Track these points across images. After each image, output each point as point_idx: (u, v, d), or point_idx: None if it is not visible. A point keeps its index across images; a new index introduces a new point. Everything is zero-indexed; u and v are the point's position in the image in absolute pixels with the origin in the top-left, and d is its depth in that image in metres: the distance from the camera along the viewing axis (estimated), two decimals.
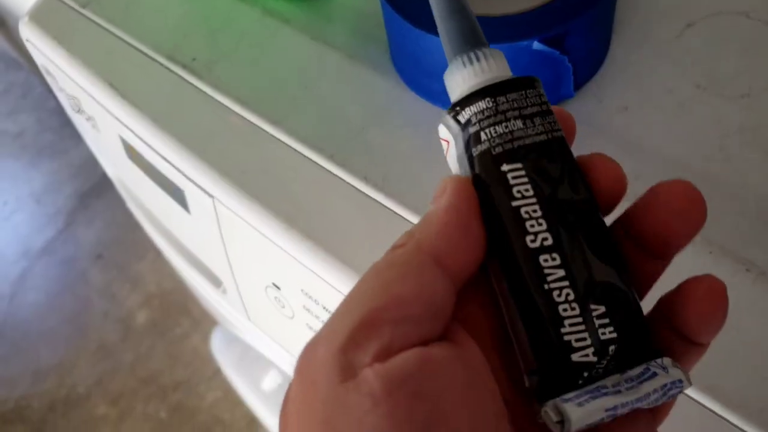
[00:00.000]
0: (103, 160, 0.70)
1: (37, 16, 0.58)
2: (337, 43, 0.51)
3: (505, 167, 0.21)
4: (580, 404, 0.19)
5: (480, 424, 0.19)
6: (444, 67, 0.42)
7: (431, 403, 0.18)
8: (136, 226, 1.92)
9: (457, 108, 0.22)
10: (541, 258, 0.20)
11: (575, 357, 0.20)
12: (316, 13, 0.53)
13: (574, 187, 0.21)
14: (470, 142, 0.22)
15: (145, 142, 0.50)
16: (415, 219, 0.42)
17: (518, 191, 0.21)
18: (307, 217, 0.43)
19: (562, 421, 0.19)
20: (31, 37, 0.57)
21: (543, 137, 0.22)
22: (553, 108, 0.23)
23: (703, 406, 0.33)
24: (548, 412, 0.19)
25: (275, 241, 0.43)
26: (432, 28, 0.41)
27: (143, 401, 1.54)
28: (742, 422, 0.33)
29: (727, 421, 0.33)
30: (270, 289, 0.49)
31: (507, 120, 0.21)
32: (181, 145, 0.48)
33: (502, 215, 0.21)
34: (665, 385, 0.20)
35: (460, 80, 0.23)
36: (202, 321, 1.57)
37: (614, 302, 0.20)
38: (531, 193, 0.21)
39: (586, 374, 0.20)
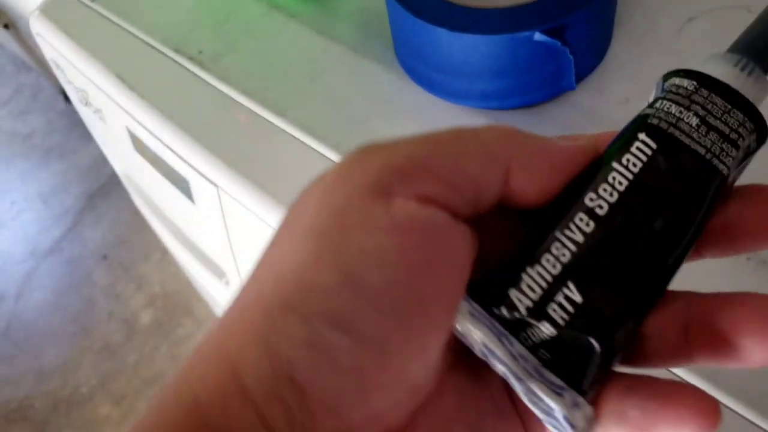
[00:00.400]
0: (110, 154, 0.71)
1: (48, 11, 0.58)
2: (341, 36, 0.52)
3: (641, 135, 0.20)
4: (472, 315, 0.19)
5: (450, 312, 0.19)
6: (446, 59, 0.43)
7: (433, 267, 0.18)
8: (141, 227, 1.93)
9: (681, 72, 0.21)
10: (580, 215, 0.19)
11: (513, 293, 0.19)
12: (321, 8, 0.54)
13: (679, 210, 0.19)
14: (653, 100, 0.21)
15: (152, 133, 0.50)
16: None
17: (628, 160, 0.20)
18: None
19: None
20: (42, 30, 0.58)
21: (701, 150, 0.19)
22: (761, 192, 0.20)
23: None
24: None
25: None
26: (435, 20, 0.42)
27: (146, 402, 1.54)
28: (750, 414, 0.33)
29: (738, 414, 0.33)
30: None
31: (689, 109, 0.20)
32: (186, 136, 0.49)
33: (597, 167, 0.20)
34: (554, 410, 0.18)
35: (714, 68, 0.21)
36: (206, 322, 1.58)
37: (589, 312, 0.19)
38: (635, 170, 0.19)
39: (505, 313, 0.19)
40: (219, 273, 0.59)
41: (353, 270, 0.17)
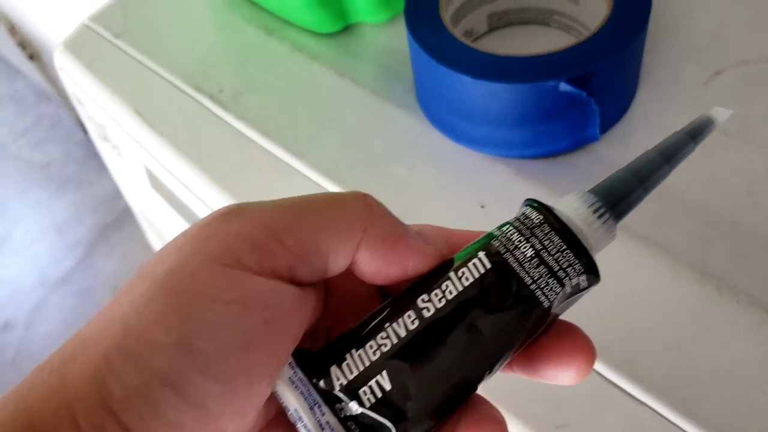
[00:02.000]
0: (126, 189, 0.70)
1: (72, 46, 0.59)
2: (362, 79, 0.52)
3: (481, 253, 0.22)
4: (292, 381, 0.21)
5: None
6: (468, 106, 0.43)
7: (266, 340, 0.20)
8: None
9: (535, 204, 0.22)
10: (410, 312, 0.21)
11: (333, 369, 0.21)
12: (343, 50, 0.54)
13: (497, 331, 0.21)
14: (503, 223, 0.23)
15: (169, 171, 0.50)
16: None
17: (462, 272, 0.21)
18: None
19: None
20: (65, 65, 0.58)
21: (528, 280, 0.21)
22: (573, 332, 0.23)
23: None
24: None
25: None
26: (458, 67, 0.41)
27: None
28: None
29: None
30: None
31: (527, 241, 0.21)
32: (204, 175, 0.48)
33: (438, 271, 0.22)
34: None
35: (571, 204, 0.22)
36: None
37: (394, 402, 0.21)
38: (465, 284, 0.21)
39: (323, 384, 0.21)
40: None
41: (189, 336, 0.18)
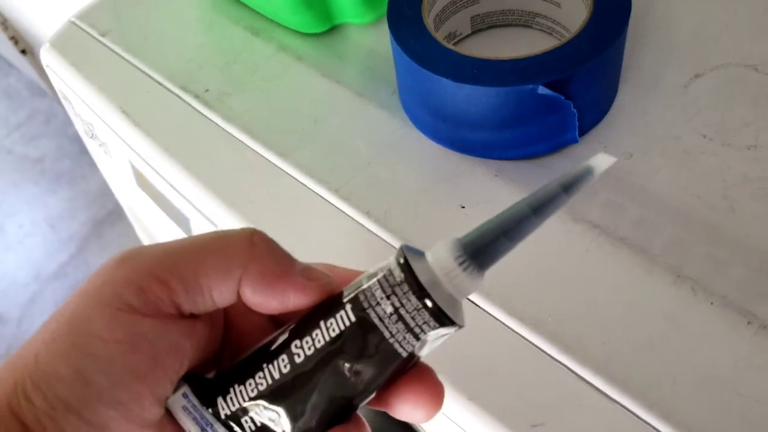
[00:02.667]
0: (114, 186, 0.71)
1: (58, 43, 0.59)
2: (347, 80, 0.52)
3: (347, 307, 0.24)
4: (185, 409, 0.24)
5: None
6: (449, 108, 0.43)
7: (153, 371, 0.23)
8: None
9: (401, 260, 0.24)
10: (284, 356, 0.24)
11: (220, 400, 0.25)
12: (328, 51, 0.54)
13: (360, 376, 0.24)
14: (374, 273, 0.24)
15: (155, 170, 0.50)
16: None
17: (331, 323, 0.24)
18: (310, 249, 0.43)
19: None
20: (51, 63, 0.58)
21: (387, 334, 0.23)
22: (427, 377, 0.25)
23: None
24: (177, 391, 0.25)
25: None
26: (439, 70, 0.42)
27: None
28: None
29: None
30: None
31: (388, 298, 0.23)
32: (189, 174, 0.49)
33: (314, 316, 0.24)
34: None
35: (438, 255, 0.24)
36: None
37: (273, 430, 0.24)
38: (332, 335, 0.24)
39: (212, 411, 0.25)
40: None
41: (86, 370, 0.22)
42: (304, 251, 0.43)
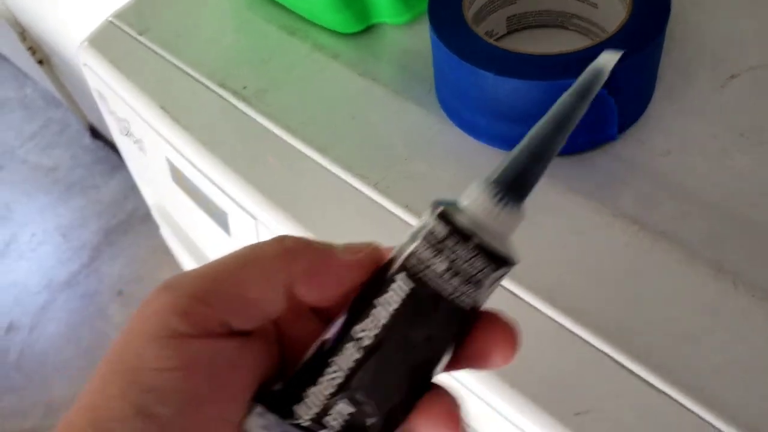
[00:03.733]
0: (145, 185, 0.71)
1: (96, 41, 0.60)
2: (383, 78, 0.53)
3: (399, 277, 0.23)
4: (264, 427, 0.23)
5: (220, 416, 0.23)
6: (490, 103, 0.44)
7: (217, 394, 0.23)
8: (158, 265, 1.93)
9: (440, 214, 0.24)
10: (350, 344, 0.24)
11: (296, 408, 0.24)
12: (364, 50, 0.55)
13: (429, 342, 0.24)
14: (415, 234, 0.24)
15: (193, 165, 0.51)
16: None
17: (386, 298, 0.23)
18: (348, 242, 0.44)
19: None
20: (89, 60, 0.59)
21: (446, 293, 0.23)
22: (502, 322, 0.24)
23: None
24: (251, 412, 0.24)
25: None
26: (481, 64, 0.42)
27: None
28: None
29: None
30: None
31: (438, 256, 0.23)
32: (227, 168, 0.49)
33: (366, 298, 0.24)
34: None
35: (474, 198, 0.24)
36: None
37: (360, 421, 0.24)
38: (391, 309, 0.23)
39: (293, 422, 0.24)
40: None
41: (146, 405, 0.21)
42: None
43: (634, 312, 0.38)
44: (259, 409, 0.24)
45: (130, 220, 1.98)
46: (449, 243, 0.23)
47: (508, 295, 0.40)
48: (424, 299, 0.23)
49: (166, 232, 0.75)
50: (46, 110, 2.31)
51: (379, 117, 0.50)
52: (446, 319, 0.23)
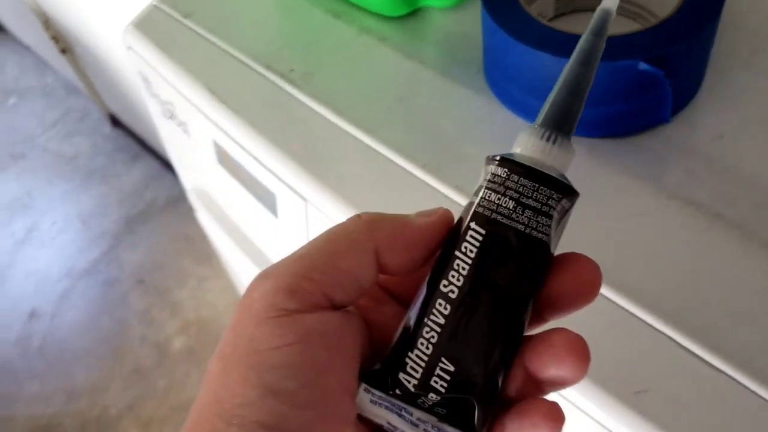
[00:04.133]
0: (186, 168, 0.72)
1: (142, 25, 0.60)
2: (430, 61, 0.53)
3: (472, 224, 0.24)
4: (373, 402, 0.24)
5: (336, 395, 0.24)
6: (544, 84, 0.44)
7: (333, 362, 0.23)
8: (179, 254, 1.94)
9: (496, 160, 0.25)
10: (439, 300, 0.24)
11: (401, 375, 0.24)
12: (410, 33, 0.55)
13: (514, 280, 0.24)
14: (477, 188, 0.25)
15: (241, 146, 0.51)
16: None
17: (466, 246, 0.24)
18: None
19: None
20: (134, 43, 0.60)
21: (520, 227, 0.24)
22: (582, 257, 0.25)
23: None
24: (358, 390, 0.24)
25: None
26: (538, 44, 0.42)
27: (174, 428, 1.54)
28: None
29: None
30: None
31: (504, 195, 0.24)
32: (277, 150, 0.49)
33: (446, 254, 0.25)
34: None
35: (525, 142, 0.25)
36: None
37: (463, 377, 0.24)
38: (472, 255, 0.24)
39: (399, 392, 0.24)
40: None
41: (270, 383, 0.22)
42: None
43: (690, 292, 0.38)
44: (364, 386, 0.24)
45: (150, 209, 2.00)
46: (512, 181, 0.24)
47: None
48: (499, 239, 0.24)
49: (203, 216, 0.75)
50: (67, 99, 2.33)
51: (426, 99, 0.50)
52: (525, 253, 0.24)
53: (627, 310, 0.38)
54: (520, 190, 0.24)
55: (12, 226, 2.05)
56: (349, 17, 0.57)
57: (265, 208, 0.54)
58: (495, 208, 0.24)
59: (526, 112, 0.47)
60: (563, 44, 0.42)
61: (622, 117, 0.44)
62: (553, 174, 0.24)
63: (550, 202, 0.24)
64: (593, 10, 0.51)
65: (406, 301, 0.26)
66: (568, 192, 0.24)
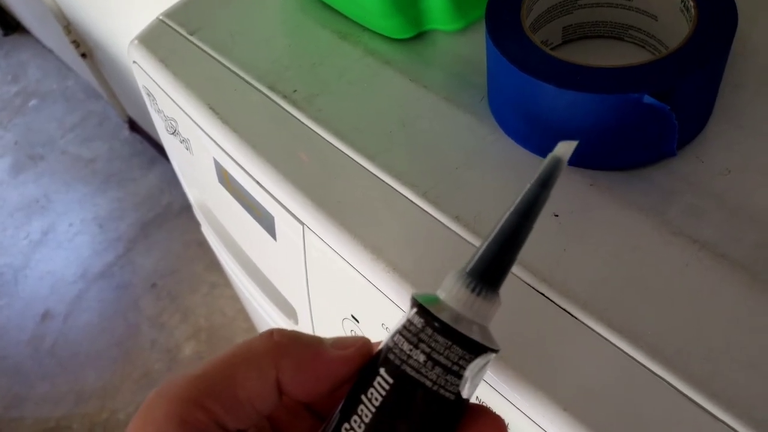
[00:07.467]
0: (189, 183, 0.72)
1: (146, 40, 0.60)
2: (435, 86, 0.52)
3: (381, 371, 0.24)
4: None
5: None
6: (548, 115, 0.43)
7: None
8: (192, 260, 1.95)
9: (417, 305, 0.24)
10: None
11: None
12: (416, 56, 0.54)
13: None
14: (396, 328, 0.25)
15: (241, 167, 0.51)
16: None
17: (372, 393, 0.24)
18: (395, 251, 0.43)
19: None
20: (138, 58, 0.59)
21: (428, 383, 0.23)
22: (491, 415, 0.25)
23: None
24: None
25: (361, 271, 0.43)
26: (542, 75, 0.41)
27: None
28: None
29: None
30: (347, 321, 0.49)
31: (417, 347, 0.23)
32: (276, 172, 0.49)
33: (354, 394, 0.24)
34: None
35: (450, 289, 0.24)
36: None
37: None
38: (377, 404, 0.24)
39: None
40: (289, 312, 0.59)
41: None
42: (388, 252, 0.43)
43: (693, 335, 0.37)
44: None
45: (165, 213, 2.01)
46: (426, 334, 0.23)
47: (562, 313, 0.39)
48: (405, 392, 0.23)
49: (207, 231, 0.75)
50: (86, 103, 2.35)
51: (429, 124, 0.50)
52: (430, 411, 0.23)
53: (625, 352, 0.37)
54: (433, 345, 0.23)
55: (29, 228, 2.07)
56: (355, 38, 0.57)
57: (264, 231, 0.53)
58: (405, 358, 0.24)
59: (528, 142, 0.46)
60: (569, 75, 0.41)
61: (625, 150, 0.43)
62: (472, 333, 0.23)
63: (461, 362, 0.23)
64: (602, 36, 0.50)
65: (324, 414, 0.26)
66: (483, 351, 0.24)
